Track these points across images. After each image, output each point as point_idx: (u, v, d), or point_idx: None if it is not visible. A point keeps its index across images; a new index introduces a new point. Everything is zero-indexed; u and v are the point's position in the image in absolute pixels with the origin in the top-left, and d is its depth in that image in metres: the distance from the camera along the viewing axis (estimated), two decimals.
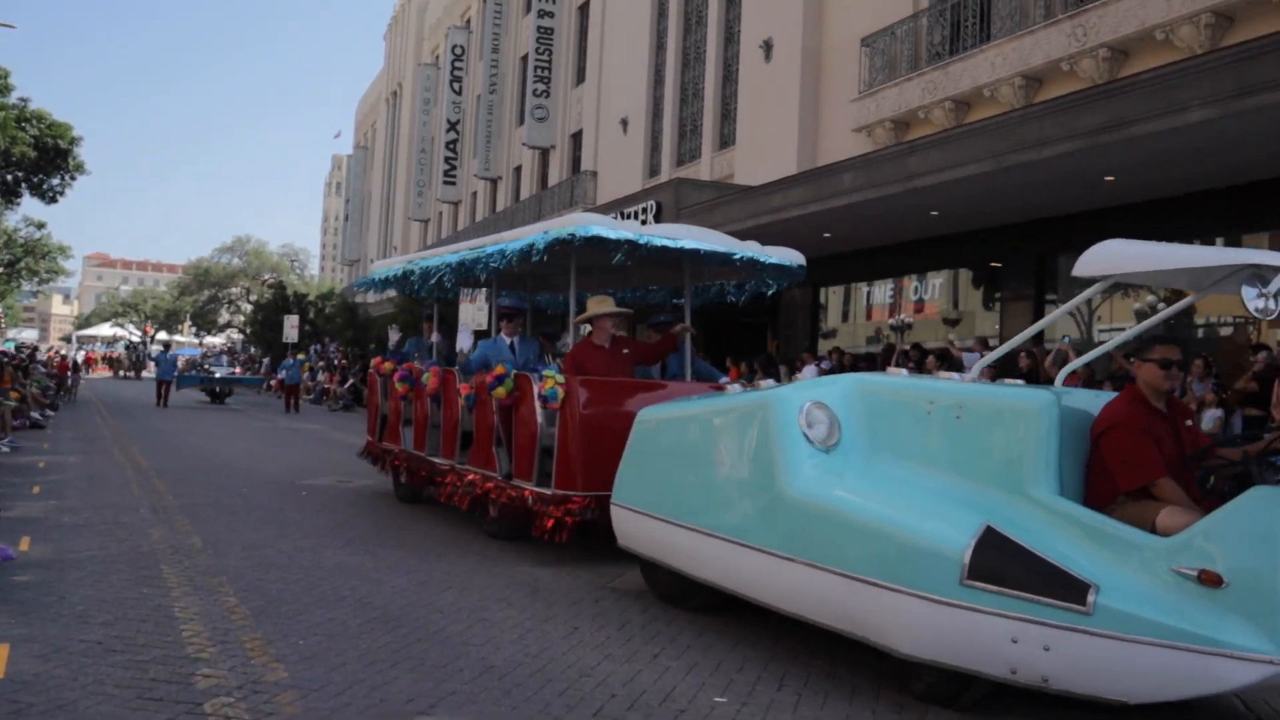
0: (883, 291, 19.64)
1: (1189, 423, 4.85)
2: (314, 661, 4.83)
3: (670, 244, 7.67)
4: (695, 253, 7.90)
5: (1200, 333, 13.71)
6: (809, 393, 5.23)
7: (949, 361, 14.05)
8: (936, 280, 18.39)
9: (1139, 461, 4.34)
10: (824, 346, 19.96)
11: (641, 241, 7.46)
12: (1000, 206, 14.26)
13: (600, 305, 8.17)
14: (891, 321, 19.36)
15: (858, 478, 4.89)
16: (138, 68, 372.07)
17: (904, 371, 5.68)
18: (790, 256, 8.71)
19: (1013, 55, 15.32)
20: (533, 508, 7.42)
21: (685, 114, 26.30)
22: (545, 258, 7.49)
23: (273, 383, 36.70)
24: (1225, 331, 13.25)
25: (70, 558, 6.97)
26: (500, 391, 7.85)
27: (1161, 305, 14.37)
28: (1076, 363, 6.23)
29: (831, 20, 20.18)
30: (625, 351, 8.19)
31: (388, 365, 10.70)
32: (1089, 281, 4.63)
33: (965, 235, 16.22)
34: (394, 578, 6.79)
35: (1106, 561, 4.03)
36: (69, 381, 29.94)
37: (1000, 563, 4.09)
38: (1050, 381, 11.99)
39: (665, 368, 8.79)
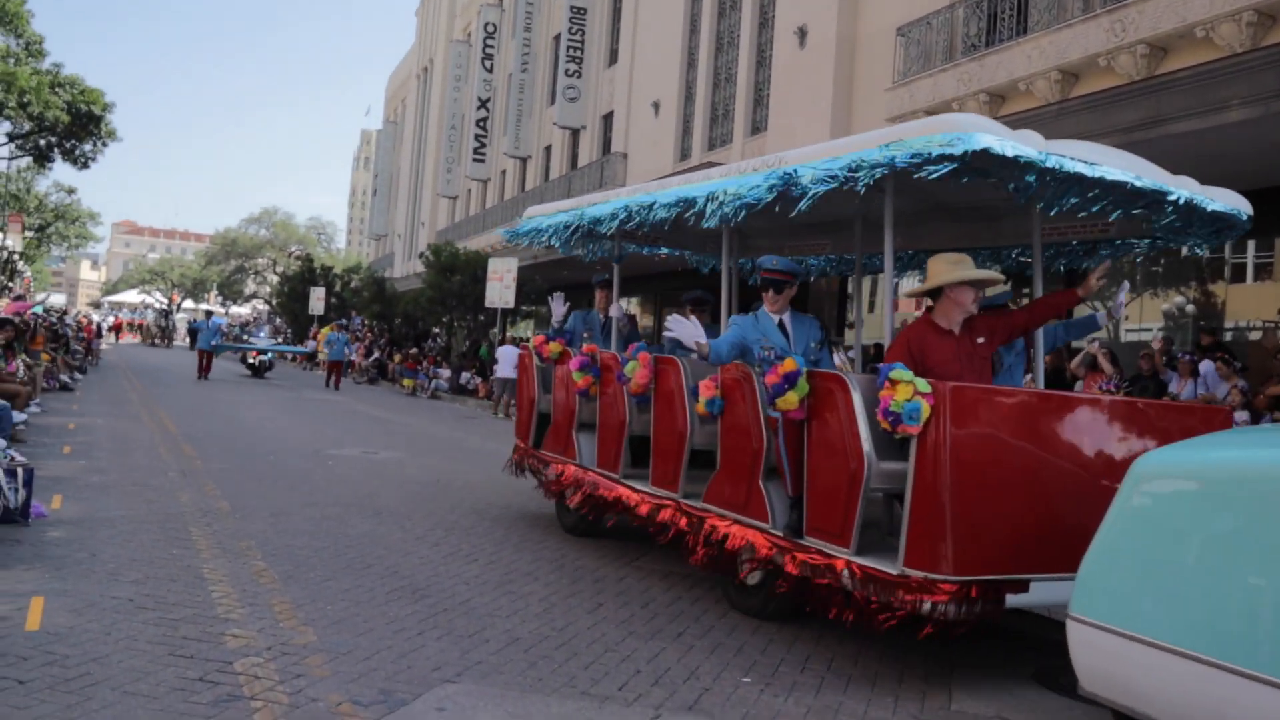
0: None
1: None
2: (342, 626, 4.90)
3: (1088, 173, 4.87)
4: (1123, 187, 5.16)
5: (1229, 335, 13.62)
6: None
7: None
8: None
9: None
10: (849, 337, 19.93)
11: (1049, 165, 4.69)
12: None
13: (957, 268, 5.34)
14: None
15: None
16: (171, 38, 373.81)
17: None
18: (1236, 202, 5.92)
19: (1049, 49, 15.18)
20: (853, 589, 4.80)
21: (717, 98, 26.20)
22: (863, 189, 4.83)
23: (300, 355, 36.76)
24: (1254, 336, 13.14)
25: (101, 517, 7.07)
26: (791, 399, 5.16)
27: (1190, 307, 14.27)
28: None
29: (867, 8, 20.07)
30: (980, 340, 5.37)
31: (553, 346, 8.05)
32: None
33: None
34: (420, 548, 6.85)
35: None
36: (95, 346, 30.07)
37: None
38: (1073, 384, 12.02)
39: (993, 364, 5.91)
